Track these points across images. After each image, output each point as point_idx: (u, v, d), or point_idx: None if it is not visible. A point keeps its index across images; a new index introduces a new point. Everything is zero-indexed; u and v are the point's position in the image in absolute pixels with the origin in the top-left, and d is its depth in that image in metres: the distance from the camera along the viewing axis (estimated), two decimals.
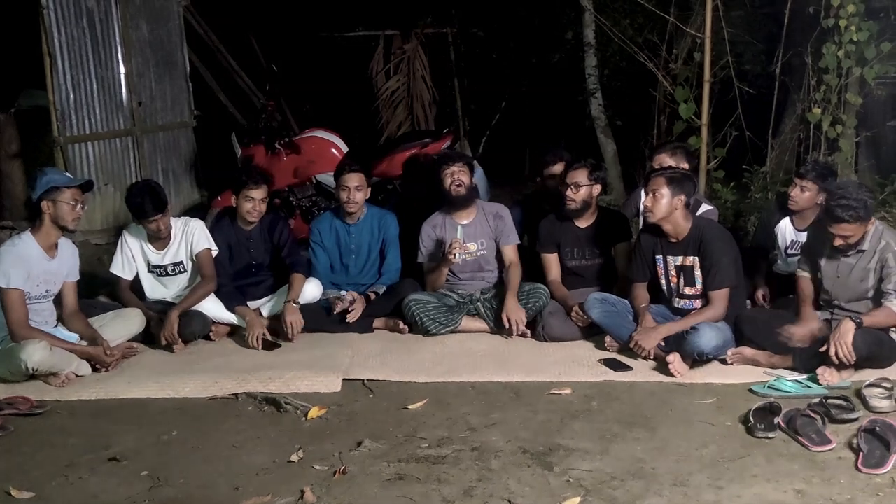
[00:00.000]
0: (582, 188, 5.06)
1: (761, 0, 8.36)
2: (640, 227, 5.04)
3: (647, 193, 4.57)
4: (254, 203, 5.25)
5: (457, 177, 5.21)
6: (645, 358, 4.47)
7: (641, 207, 5.35)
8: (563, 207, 5.14)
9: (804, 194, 4.89)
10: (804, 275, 4.45)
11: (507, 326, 4.92)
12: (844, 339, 3.99)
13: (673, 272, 4.63)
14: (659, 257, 4.66)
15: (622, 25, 8.50)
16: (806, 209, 4.92)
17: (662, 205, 4.49)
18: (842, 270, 4.29)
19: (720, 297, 4.47)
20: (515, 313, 4.91)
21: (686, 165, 5.10)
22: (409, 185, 6.64)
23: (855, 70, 6.82)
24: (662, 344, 4.45)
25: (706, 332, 4.32)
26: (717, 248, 4.49)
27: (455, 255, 5.01)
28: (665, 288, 4.69)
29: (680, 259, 4.60)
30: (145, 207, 4.97)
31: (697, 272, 4.55)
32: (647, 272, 4.72)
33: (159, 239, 5.15)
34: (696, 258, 4.54)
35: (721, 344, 4.35)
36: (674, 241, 4.60)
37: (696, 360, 4.34)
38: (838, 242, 4.16)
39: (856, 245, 4.18)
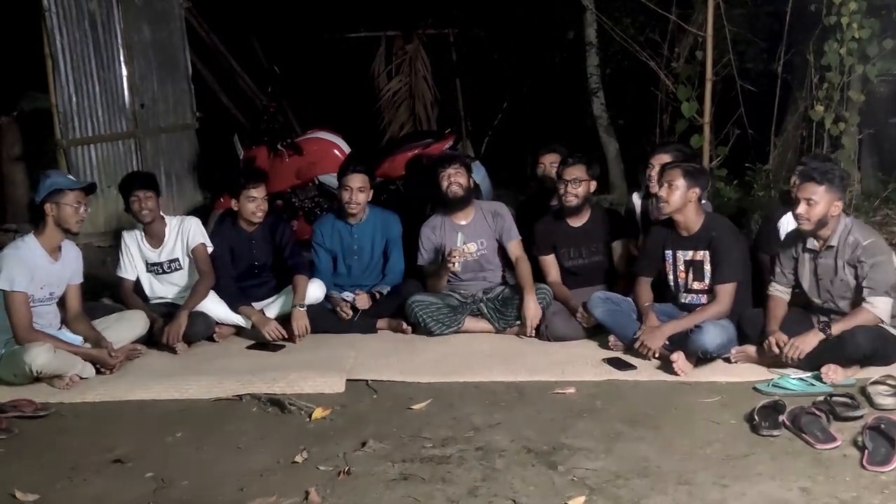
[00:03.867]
0: (582, 184, 5.07)
1: None
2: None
3: (661, 185, 4.58)
4: (257, 202, 5.25)
5: (453, 179, 5.20)
6: (649, 358, 4.47)
7: (637, 204, 5.42)
8: (559, 205, 5.16)
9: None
10: (777, 293, 4.41)
11: (528, 326, 4.92)
12: (802, 345, 4.08)
13: (682, 267, 4.64)
14: (668, 252, 4.66)
15: (624, 24, 8.50)
16: None
17: (677, 196, 4.51)
18: (821, 273, 4.26)
19: (726, 291, 4.47)
20: (534, 313, 4.91)
21: None
22: (411, 185, 6.64)
23: (857, 67, 6.80)
24: (667, 343, 4.45)
25: (710, 331, 4.31)
26: (727, 244, 4.51)
27: (455, 263, 5.01)
28: (672, 283, 4.69)
29: (690, 254, 4.61)
30: (132, 180, 5.18)
31: (707, 267, 4.57)
32: (653, 267, 4.73)
33: (154, 236, 5.21)
34: (707, 253, 4.55)
35: (725, 342, 4.35)
36: (684, 234, 4.61)
37: (700, 358, 4.34)
38: (801, 210, 4.12)
39: (823, 236, 4.20)
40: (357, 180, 5.36)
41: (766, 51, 8.17)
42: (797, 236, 4.38)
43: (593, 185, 5.19)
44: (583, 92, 9.10)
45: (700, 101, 6.96)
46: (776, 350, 4.16)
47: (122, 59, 7.71)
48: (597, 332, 4.86)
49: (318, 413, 3.90)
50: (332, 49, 10.69)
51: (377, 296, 5.30)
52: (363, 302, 5.22)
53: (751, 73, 7.92)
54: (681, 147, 5.47)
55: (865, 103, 7.05)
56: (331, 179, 6.57)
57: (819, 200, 4.10)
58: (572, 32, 9.37)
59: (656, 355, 4.45)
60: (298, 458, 3.43)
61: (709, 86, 6.82)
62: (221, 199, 6.61)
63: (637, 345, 4.49)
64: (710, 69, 6.79)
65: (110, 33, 7.60)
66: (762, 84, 7.72)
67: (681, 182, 4.50)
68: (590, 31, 8.75)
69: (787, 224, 5.08)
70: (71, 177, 5.22)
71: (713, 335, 4.31)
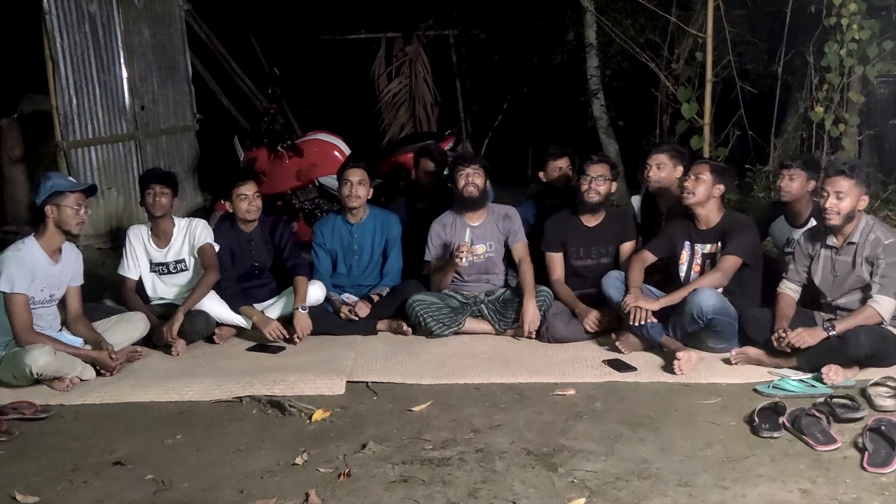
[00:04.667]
0: (605, 182, 5.10)
1: None
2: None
3: (689, 176, 4.69)
4: (248, 199, 5.26)
5: (471, 178, 5.21)
6: (639, 322, 4.49)
7: (637, 206, 5.47)
8: (577, 201, 5.16)
9: (794, 182, 4.89)
10: (787, 290, 4.46)
11: (526, 329, 4.93)
12: (808, 336, 4.10)
13: (698, 260, 4.72)
14: (687, 243, 4.73)
15: (624, 26, 8.51)
16: (798, 199, 4.92)
17: (702, 189, 4.63)
18: (839, 269, 4.31)
19: (728, 263, 4.55)
20: (533, 317, 4.92)
21: (681, 169, 5.13)
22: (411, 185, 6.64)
23: (857, 68, 6.82)
24: (654, 320, 4.50)
25: (706, 291, 4.42)
26: (738, 229, 4.64)
27: (462, 258, 5.01)
28: (683, 275, 4.75)
29: (708, 247, 4.70)
30: (152, 173, 5.40)
31: (719, 256, 4.65)
32: (665, 250, 4.80)
33: (161, 235, 5.24)
34: (720, 244, 4.65)
35: (721, 306, 4.42)
36: (703, 228, 4.71)
37: (699, 324, 4.40)
38: (829, 203, 4.17)
39: (846, 233, 4.24)
40: (356, 174, 5.37)
41: (766, 52, 8.18)
42: (814, 234, 4.46)
43: (614, 186, 5.24)
44: (583, 93, 9.11)
45: (700, 102, 6.98)
46: (782, 338, 4.18)
47: (122, 61, 7.71)
48: (597, 333, 4.87)
49: (319, 415, 3.90)
50: (333, 51, 10.70)
51: (375, 298, 5.30)
52: (363, 310, 5.21)
53: (751, 75, 7.94)
54: (677, 147, 5.49)
55: (865, 104, 7.06)
56: (331, 181, 6.58)
57: (848, 194, 4.16)
58: (572, 34, 9.38)
59: (647, 320, 4.49)
60: (299, 460, 3.43)
61: (709, 87, 6.84)
62: (222, 201, 6.62)
63: (629, 299, 4.54)
64: (710, 70, 6.81)
65: (110, 35, 7.60)
66: (762, 85, 7.74)
67: (707, 176, 4.62)
68: (590, 32, 8.76)
69: (779, 229, 5.11)
70: (71, 178, 5.21)
71: (709, 294, 4.41)
